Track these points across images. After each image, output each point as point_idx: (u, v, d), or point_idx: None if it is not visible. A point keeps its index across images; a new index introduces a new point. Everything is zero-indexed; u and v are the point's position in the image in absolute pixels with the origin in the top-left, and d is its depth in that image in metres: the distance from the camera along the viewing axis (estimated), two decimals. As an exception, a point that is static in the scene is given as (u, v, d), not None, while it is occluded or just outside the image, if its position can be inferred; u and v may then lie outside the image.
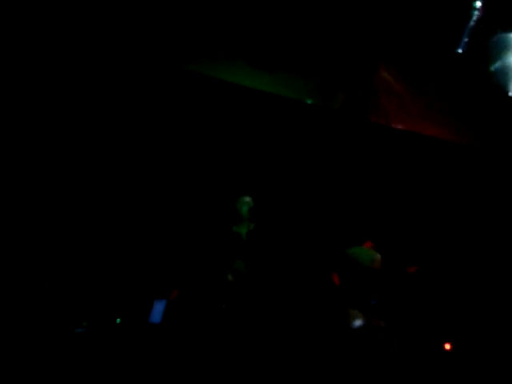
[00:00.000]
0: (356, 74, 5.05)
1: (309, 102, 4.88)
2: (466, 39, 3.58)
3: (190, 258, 3.99)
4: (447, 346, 4.07)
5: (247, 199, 3.81)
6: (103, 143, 4.02)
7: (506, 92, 3.78)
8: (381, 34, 4.56)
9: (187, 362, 3.04)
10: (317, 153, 4.80)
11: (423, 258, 4.72)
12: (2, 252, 3.31)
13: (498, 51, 3.67)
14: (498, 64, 3.70)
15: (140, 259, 3.92)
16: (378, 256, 2.16)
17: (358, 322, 1.79)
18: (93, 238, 3.85)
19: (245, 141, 4.54)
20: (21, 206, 3.51)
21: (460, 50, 3.64)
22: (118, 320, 3.44)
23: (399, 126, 5.25)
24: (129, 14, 3.92)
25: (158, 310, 3.53)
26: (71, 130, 3.86)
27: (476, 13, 3.49)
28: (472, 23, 3.53)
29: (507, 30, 3.62)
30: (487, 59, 3.78)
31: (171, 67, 4.27)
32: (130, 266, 3.86)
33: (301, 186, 4.72)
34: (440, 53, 4.30)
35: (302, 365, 1.80)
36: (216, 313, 3.32)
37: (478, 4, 3.46)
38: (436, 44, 4.28)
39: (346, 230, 4.72)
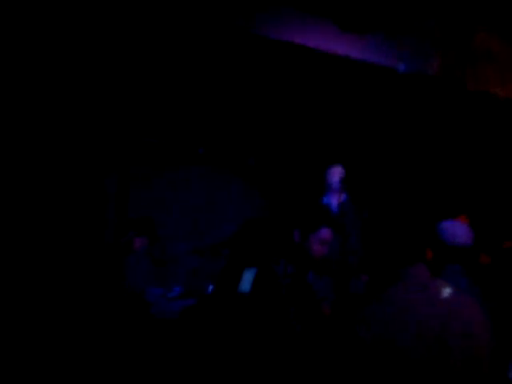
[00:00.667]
0: (453, 38, 4.66)
1: (400, 68, 4.58)
2: None
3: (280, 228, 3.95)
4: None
5: (339, 169, 3.67)
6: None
7: None
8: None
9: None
10: (411, 123, 4.53)
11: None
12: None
13: None
14: None
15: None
16: (471, 231, 2.19)
17: (446, 292, 1.60)
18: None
19: (334, 110, 4.36)
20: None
21: None
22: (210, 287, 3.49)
23: (500, 94, 4.82)
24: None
25: (247, 279, 3.52)
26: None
27: None
28: None
29: None
30: None
31: (247, 31, 4.14)
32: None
33: (393, 157, 4.50)
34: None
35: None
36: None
37: None
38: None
39: (438, 203, 4.47)
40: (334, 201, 3.63)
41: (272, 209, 4.36)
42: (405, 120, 4.60)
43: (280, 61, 3.93)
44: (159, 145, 3.73)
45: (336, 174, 3.65)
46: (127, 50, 3.53)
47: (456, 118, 4.64)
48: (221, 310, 3.35)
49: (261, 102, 4.15)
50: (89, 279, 3.18)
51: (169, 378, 2.98)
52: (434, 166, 4.63)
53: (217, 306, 3.33)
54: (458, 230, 2.21)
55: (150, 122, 3.80)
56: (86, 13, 3.11)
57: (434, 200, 4.50)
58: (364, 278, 3.54)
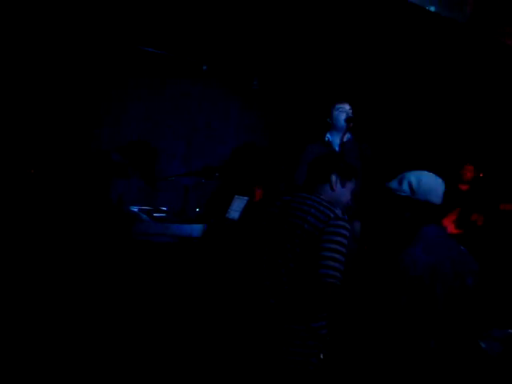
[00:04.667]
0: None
1: (432, 9, 4.25)
2: None
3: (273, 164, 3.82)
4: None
5: (346, 106, 3.47)
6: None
7: None
8: None
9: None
10: (435, 71, 4.26)
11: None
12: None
13: None
14: None
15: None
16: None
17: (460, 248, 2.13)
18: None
19: (349, 42, 4.08)
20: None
21: None
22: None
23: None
24: None
25: (237, 206, 3.45)
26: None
27: None
28: None
29: None
30: None
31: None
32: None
33: (405, 99, 4.27)
34: None
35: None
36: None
37: None
38: None
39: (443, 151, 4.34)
40: (337, 139, 3.46)
41: (271, 137, 4.22)
42: (424, 63, 4.32)
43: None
44: (161, 56, 3.52)
45: (342, 111, 3.45)
46: None
47: (487, 70, 4.36)
48: (209, 235, 3.29)
49: (273, 23, 3.89)
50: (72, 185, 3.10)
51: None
52: (446, 114, 4.41)
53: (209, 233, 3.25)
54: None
55: (153, 28, 3.56)
56: None
57: (441, 148, 4.34)
58: (356, 223, 3.44)
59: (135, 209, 3.41)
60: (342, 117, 3.42)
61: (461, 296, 2.02)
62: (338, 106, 3.46)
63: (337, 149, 3.45)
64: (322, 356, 1.93)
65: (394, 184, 2.17)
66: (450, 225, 4.29)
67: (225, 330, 2.61)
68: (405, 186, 2.11)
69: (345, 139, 3.44)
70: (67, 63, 3.35)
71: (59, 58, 3.35)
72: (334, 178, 2.08)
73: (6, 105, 3.21)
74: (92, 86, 3.48)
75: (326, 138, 3.48)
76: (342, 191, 2.11)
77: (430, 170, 2.19)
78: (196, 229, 3.27)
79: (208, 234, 3.31)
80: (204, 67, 3.65)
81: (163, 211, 3.47)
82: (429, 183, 2.11)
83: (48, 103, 3.35)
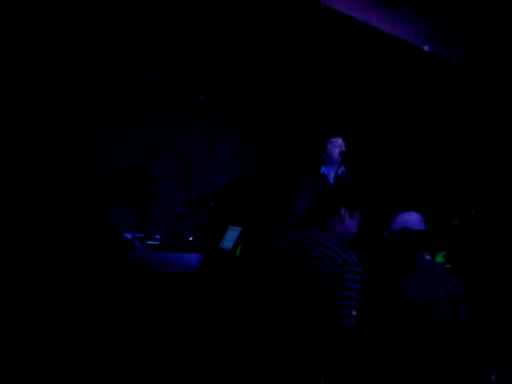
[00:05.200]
0: (481, 26, 4.43)
1: (426, 49, 4.38)
2: None
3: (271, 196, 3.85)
4: None
5: (339, 140, 3.54)
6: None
7: None
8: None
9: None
10: (428, 108, 4.36)
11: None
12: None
13: None
14: None
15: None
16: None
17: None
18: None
19: (345, 78, 4.18)
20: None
21: None
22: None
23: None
24: None
25: (231, 236, 3.45)
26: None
27: None
28: None
29: None
30: None
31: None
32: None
33: (399, 134, 4.35)
34: None
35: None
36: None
37: None
38: None
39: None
40: (332, 172, 3.52)
41: (266, 169, 4.26)
42: (417, 101, 4.42)
43: (298, 19, 3.74)
44: (160, 85, 3.58)
45: (336, 145, 3.52)
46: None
47: (479, 111, 4.46)
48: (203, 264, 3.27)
49: (272, 60, 3.99)
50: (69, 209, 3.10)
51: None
52: (439, 151, 4.50)
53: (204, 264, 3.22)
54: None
55: (152, 58, 3.63)
56: None
57: (432, 184, 4.41)
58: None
59: (129, 235, 3.40)
60: (336, 150, 3.49)
61: (456, 327, 2.10)
62: (332, 140, 3.53)
63: (331, 181, 3.50)
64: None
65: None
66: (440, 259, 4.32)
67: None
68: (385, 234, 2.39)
69: (339, 172, 3.51)
70: (67, 90, 3.39)
71: (59, 84, 3.41)
72: (343, 210, 2.01)
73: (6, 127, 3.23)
74: (90, 112, 3.52)
75: (322, 171, 3.54)
76: (351, 222, 2.04)
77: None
78: (189, 258, 3.26)
79: (203, 264, 3.30)
80: (202, 98, 3.71)
81: (156, 239, 3.47)
82: (403, 216, 2.37)
83: (47, 127, 3.38)
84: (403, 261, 2.21)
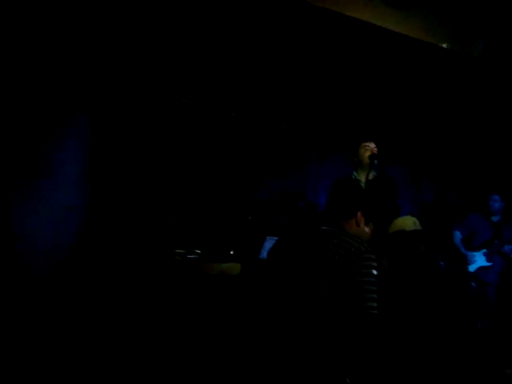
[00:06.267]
0: (499, 18, 4.44)
1: (444, 46, 4.41)
2: None
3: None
4: None
5: (371, 145, 3.58)
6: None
7: None
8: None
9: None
10: (451, 105, 4.39)
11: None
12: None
13: None
14: None
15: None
16: None
17: None
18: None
19: (374, 83, 4.25)
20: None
21: None
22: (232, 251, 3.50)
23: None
24: None
25: (269, 247, 3.52)
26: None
27: None
28: None
29: None
30: None
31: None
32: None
33: (429, 136, 4.39)
34: None
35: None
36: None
37: None
38: None
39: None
40: (363, 176, 3.56)
41: (302, 179, 4.34)
42: (446, 99, 4.45)
43: (324, 30, 3.82)
44: (195, 105, 3.70)
45: (367, 149, 3.56)
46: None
47: (500, 100, 4.48)
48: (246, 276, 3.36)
49: (300, 69, 4.07)
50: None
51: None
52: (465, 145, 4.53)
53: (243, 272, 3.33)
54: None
55: (186, 81, 3.77)
56: None
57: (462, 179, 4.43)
58: (384, 261, 3.49)
59: (171, 251, 3.50)
60: (367, 154, 3.53)
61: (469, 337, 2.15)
62: (364, 144, 3.57)
63: (363, 186, 3.54)
64: (348, 381, 1.95)
65: None
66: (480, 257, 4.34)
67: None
68: None
69: (370, 177, 3.55)
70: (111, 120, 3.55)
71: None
72: (359, 214, 2.11)
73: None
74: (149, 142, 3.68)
75: (353, 176, 3.58)
76: (365, 229, 2.14)
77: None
78: (227, 267, 3.36)
79: (241, 273, 3.39)
80: (233, 114, 3.82)
81: (197, 253, 3.56)
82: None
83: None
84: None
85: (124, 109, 3.50)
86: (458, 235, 4.50)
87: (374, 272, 1.92)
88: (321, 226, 2.08)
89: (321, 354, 1.89)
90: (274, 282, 2.13)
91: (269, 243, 3.59)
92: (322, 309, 1.92)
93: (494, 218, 4.50)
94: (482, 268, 4.31)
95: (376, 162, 3.50)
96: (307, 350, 1.90)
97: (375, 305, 1.88)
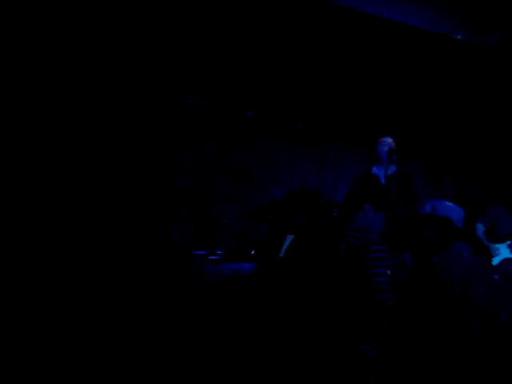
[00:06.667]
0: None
1: (459, 37, 4.35)
2: None
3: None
4: None
5: (388, 140, 3.56)
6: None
7: None
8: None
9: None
10: (468, 97, 4.33)
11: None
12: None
13: None
14: None
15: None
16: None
17: None
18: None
19: (389, 78, 4.22)
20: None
21: None
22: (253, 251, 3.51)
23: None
24: None
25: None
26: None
27: None
28: None
29: None
30: None
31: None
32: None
33: (447, 129, 4.34)
34: None
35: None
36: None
37: None
38: None
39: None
40: (383, 172, 3.54)
41: (320, 176, 4.34)
42: (462, 92, 4.40)
43: (339, 27, 3.81)
44: (207, 107, 3.73)
45: (385, 145, 3.54)
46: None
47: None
48: (263, 274, 3.37)
49: (314, 65, 4.07)
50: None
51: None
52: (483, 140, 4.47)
53: (259, 270, 3.35)
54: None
55: (201, 83, 3.80)
56: None
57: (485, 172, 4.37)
58: (406, 255, 3.46)
59: (192, 253, 3.54)
60: (385, 149, 3.52)
61: (491, 333, 2.05)
62: (381, 139, 3.56)
63: (382, 182, 3.53)
64: (371, 378, 1.97)
65: (419, 208, 2.40)
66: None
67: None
68: (427, 207, 2.31)
69: (389, 172, 3.53)
70: (121, 120, 3.58)
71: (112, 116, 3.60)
72: (367, 206, 2.20)
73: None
74: (148, 139, 3.71)
75: (373, 172, 3.57)
76: (376, 219, 2.22)
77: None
78: (247, 267, 3.39)
79: (259, 272, 3.39)
80: (249, 114, 3.83)
81: (218, 254, 3.58)
82: (449, 205, 2.35)
83: (105, 155, 3.58)
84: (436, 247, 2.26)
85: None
86: (480, 228, 4.44)
87: (384, 263, 1.98)
88: (330, 224, 2.17)
89: (340, 350, 1.94)
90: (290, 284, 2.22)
91: (289, 242, 3.60)
92: (344, 298, 1.99)
93: None
94: (506, 260, 4.25)
95: (394, 157, 3.49)
96: (328, 347, 1.97)
97: (387, 296, 1.92)
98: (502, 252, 4.28)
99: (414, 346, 2.14)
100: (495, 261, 4.28)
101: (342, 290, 2.01)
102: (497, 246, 4.31)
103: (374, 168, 3.57)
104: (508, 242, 4.28)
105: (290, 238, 3.64)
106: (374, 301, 1.93)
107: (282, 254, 3.63)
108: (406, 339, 2.18)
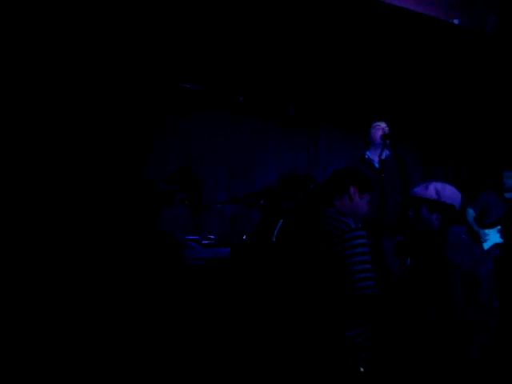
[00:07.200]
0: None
1: (456, 22, 4.31)
2: None
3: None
4: None
5: (382, 125, 3.55)
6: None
7: None
8: None
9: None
10: (463, 83, 4.31)
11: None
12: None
13: None
14: None
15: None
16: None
17: None
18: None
19: (384, 63, 4.18)
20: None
21: None
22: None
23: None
24: None
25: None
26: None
27: None
28: None
29: None
30: None
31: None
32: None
33: (440, 115, 4.33)
34: None
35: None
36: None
37: None
38: None
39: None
40: (376, 156, 3.52)
41: (311, 160, 4.32)
42: (458, 77, 4.37)
43: (332, 10, 3.74)
44: (198, 91, 3.67)
45: (379, 129, 3.53)
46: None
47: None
48: (254, 258, 3.37)
49: (306, 50, 4.01)
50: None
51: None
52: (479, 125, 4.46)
53: (250, 254, 3.34)
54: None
55: (189, 66, 3.72)
56: None
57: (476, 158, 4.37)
58: (399, 238, 3.47)
59: (185, 237, 3.51)
60: (378, 133, 3.50)
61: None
62: (375, 124, 3.55)
63: (376, 166, 3.52)
64: (362, 362, 1.95)
65: (419, 190, 2.28)
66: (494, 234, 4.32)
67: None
68: (431, 191, 2.22)
69: (383, 156, 3.51)
70: (109, 104, 3.51)
71: (101, 99, 3.53)
72: (352, 189, 2.12)
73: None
74: (135, 124, 3.63)
75: (366, 156, 3.56)
76: (360, 202, 2.15)
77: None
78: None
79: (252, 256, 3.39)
80: (240, 98, 3.77)
81: (211, 239, 3.57)
82: (453, 190, 2.29)
83: (94, 141, 3.51)
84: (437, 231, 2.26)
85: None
86: (471, 213, 4.47)
87: (362, 249, 1.91)
88: (313, 209, 2.11)
89: (327, 335, 1.92)
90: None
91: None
92: (328, 288, 1.95)
93: (508, 195, 4.46)
94: (496, 245, 4.30)
95: (388, 141, 3.47)
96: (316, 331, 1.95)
97: (368, 284, 1.86)
98: (492, 237, 4.33)
99: (413, 331, 2.16)
100: (486, 246, 4.33)
101: (324, 278, 1.96)
102: (487, 231, 4.36)
103: (368, 152, 3.57)
104: (498, 228, 4.33)
105: (281, 223, 3.65)
106: (355, 290, 1.87)
107: (274, 238, 3.65)
108: (404, 325, 2.20)
